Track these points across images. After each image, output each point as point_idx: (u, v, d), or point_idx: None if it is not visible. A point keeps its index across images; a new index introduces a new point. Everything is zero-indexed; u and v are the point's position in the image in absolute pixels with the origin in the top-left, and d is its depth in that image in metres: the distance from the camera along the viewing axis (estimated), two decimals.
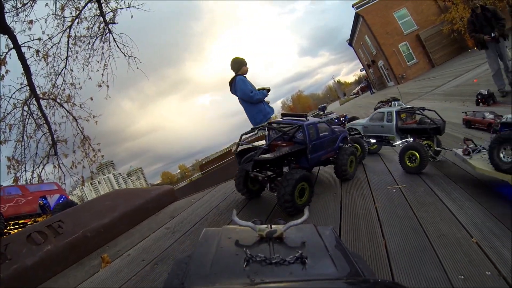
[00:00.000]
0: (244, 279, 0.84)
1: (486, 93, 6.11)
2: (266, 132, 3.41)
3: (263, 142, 3.35)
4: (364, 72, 36.37)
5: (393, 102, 7.36)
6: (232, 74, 4.85)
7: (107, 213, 3.61)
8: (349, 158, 3.43)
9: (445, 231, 1.99)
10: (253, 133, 3.51)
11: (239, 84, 4.65)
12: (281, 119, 3.54)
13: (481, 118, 4.66)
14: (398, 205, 2.52)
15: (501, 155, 2.42)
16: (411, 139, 3.91)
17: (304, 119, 3.28)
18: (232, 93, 4.96)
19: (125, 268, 2.41)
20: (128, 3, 7.86)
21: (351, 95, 48.34)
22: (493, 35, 5.82)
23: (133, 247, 2.92)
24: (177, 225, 3.27)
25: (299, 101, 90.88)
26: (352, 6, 24.24)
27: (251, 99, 4.64)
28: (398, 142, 3.97)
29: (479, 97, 6.26)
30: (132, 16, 7.90)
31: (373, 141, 4.37)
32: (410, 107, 4.18)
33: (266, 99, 4.92)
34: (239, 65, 4.76)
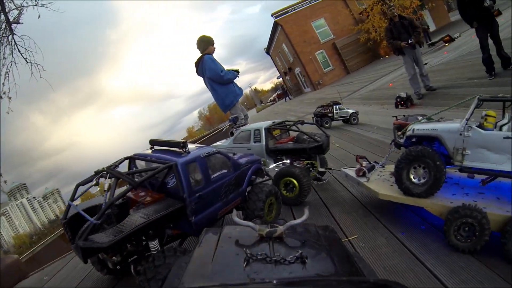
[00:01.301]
0: (244, 279, 0.86)
1: (405, 96, 6.41)
2: (106, 183, 1.85)
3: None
4: (281, 79, 37.43)
5: (334, 106, 6.90)
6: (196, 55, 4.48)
7: None
8: (267, 201, 2.44)
9: None
10: (93, 183, 1.94)
11: (208, 63, 4.30)
12: (148, 151, 2.41)
13: None
14: None
15: (411, 176, 2.07)
16: (288, 161, 3.27)
17: (180, 151, 2.13)
18: (199, 75, 4.58)
19: None
20: (36, 1, 6.71)
21: (267, 102, 49.26)
22: (410, 41, 6.16)
23: None
24: None
25: (216, 110, 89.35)
26: (272, 15, 24.93)
27: (221, 78, 4.32)
28: (271, 167, 3.27)
29: (398, 100, 6.52)
30: (39, 16, 6.77)
31: None
32: (283, 121, 3.59)
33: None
34: (205, 44, 4.38)
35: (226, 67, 4.51)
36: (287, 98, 32.52)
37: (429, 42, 13.01)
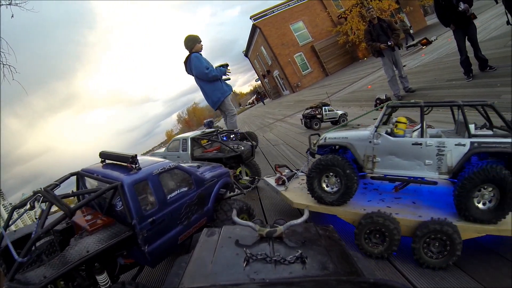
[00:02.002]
0: (244, 279, 0.85)
1: (384, 97, 6.38)
2: (36, 208, 1.54)
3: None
4: (259, 82, 37.17)
5: (323, 108, 6.70)
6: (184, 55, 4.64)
7: None
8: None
9: None
10: (27, 206, 1.59)
11: (194, 61, 4.41)
12: (99, 165, 2.10)
13: None
14: None
15: (324, 185, 2.10)
16: None
17: (129, 166, 1.80)
18: (188, 73, 4.70)
19: None
20: (9, 0, 6.49)
21: (246, 105, 49.37)
22: (389, 43, 6.14)
23: None
24: None
25: (195, 113, 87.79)
26: (250, 18, 24.76)
27: (206, 76, 4.41)
28: None
29: (377, 101, 6.49)
30: (12, 16, 6.54)
31: None
32: (214, 131, 3.79)
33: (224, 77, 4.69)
34: (192, 43, 4.46)
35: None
36: (263, 101, 32.23)
37: (407, 45, 13.20)
